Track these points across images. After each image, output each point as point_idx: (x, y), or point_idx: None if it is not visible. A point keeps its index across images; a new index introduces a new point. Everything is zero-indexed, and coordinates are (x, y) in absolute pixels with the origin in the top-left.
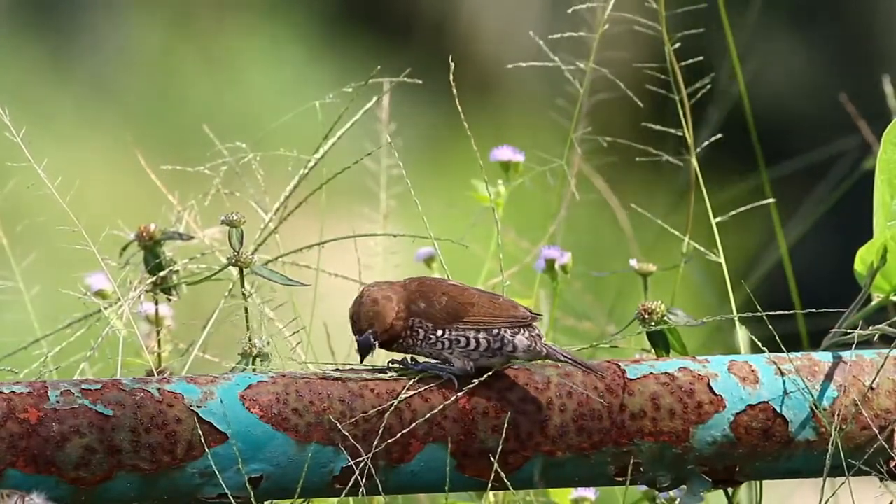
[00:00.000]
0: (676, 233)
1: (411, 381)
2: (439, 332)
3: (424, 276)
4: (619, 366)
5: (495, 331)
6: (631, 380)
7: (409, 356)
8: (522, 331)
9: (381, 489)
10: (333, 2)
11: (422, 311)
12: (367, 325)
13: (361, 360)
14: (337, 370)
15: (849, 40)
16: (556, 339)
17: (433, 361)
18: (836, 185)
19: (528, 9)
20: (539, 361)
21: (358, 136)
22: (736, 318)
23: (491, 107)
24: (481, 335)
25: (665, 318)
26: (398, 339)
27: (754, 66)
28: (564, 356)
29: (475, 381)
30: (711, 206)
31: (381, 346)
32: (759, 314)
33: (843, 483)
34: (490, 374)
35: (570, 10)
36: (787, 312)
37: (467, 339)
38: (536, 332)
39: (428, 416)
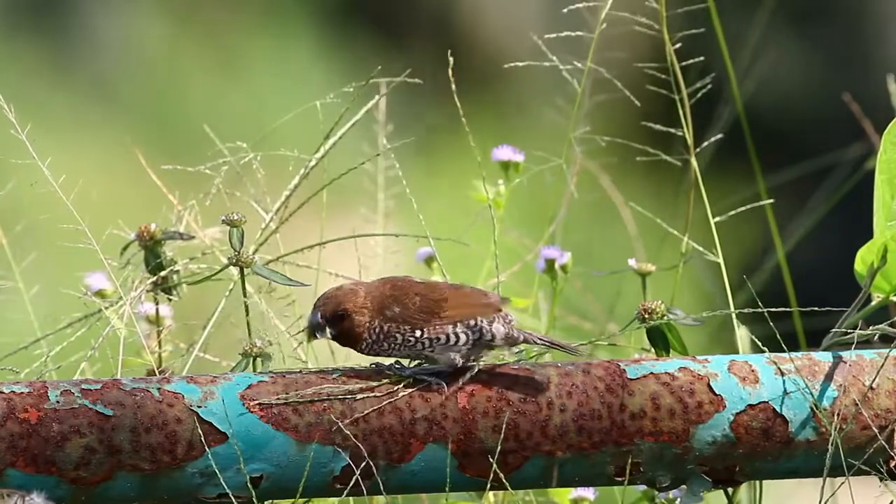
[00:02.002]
0: (675, 232)
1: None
2: (418, 333)
3: (395, 277)
4: (619, 366)
5: (472, 322)
6: (631, 380)
7: (393, 360)
8: (497, 318)
9: (381, 489)
10: (337, 1)
11: (397, 316)
12: (320, 302)
13: (308, 340)
14: (335, 370)
15: (853, 41)
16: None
17: (422, 363)
18: (838, 185)
19: (530, 6)
20: (539, 361)
21: (359, 136)
22: (734, 317)
23: (494, 105)
24: (459, 329)
25: (665, 317)
26: (359, 338)
27: (760, 67)
28: (540, 339)
29: (467, 375)
30: (718, 206)
31: (346, 343)
32: (759, 311)
33: (843, 483)
34: (474, 372)
35: (566, 10)
36: (784, 309)
37: (447, 335)
38: (510, 318)
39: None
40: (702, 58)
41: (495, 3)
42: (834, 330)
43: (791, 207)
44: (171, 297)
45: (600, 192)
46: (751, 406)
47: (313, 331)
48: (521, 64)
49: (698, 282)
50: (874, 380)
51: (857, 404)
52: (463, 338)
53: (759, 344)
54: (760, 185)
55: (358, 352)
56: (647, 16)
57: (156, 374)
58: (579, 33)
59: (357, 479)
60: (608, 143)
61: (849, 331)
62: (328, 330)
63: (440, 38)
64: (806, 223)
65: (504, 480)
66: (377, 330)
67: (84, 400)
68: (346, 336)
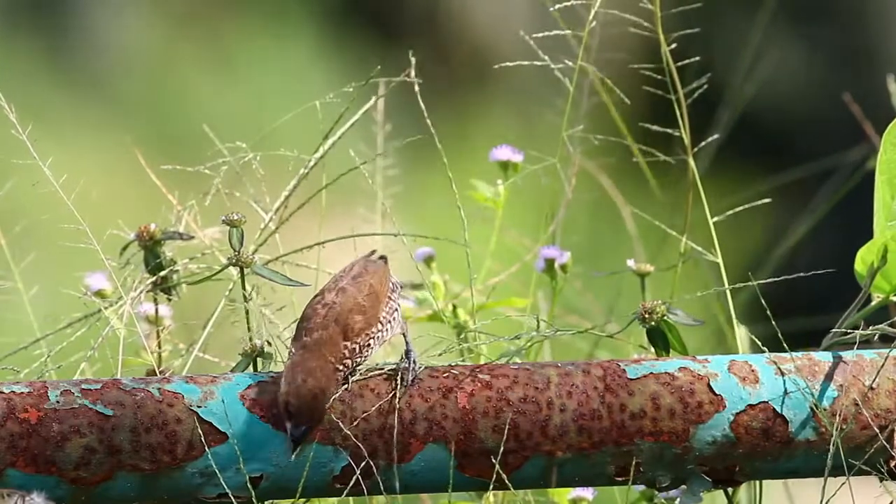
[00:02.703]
0: (673, 233)
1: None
2: (382, 322)
3: (320, 301)
4: (619, 365)
5: (392, 282)
6: (631, 380)
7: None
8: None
9: (381, 489)
10: (335, 1)
11: (364, 322)
12: (306, 419)
13: (293, 452)
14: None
15: (855, 41)
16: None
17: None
18: (839, 185)
19: (523, 3)
20: (538, 360)
21: (358, 135)
22: (734, 318)
23: (491, 104)
24: (395, 295)
25: (665, 317)
26: (342, 382)
27: (762, 67)
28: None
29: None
30: (720, 206)
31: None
32: (763, 311)
33: (843, 483)
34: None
35: (553, 9)
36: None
37: (396, 308)
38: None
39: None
40: (697, 58)
41: (486, 1)
42: (834, 330)
43: (794, 208)
44: (170, 297)
45: (600, 192)
46: (751, 406)
47: (298, 443)
48: (510, 64)
49: (703, 282)
50: (874, 380)
51: (857, 404)
52: (395, 304)
53: (759, 344)
54: (741, 176)
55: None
56: (645, 16)
57: (156, 374)
58: (575, 32)
59: (357, 478)
60: (608, 144)
61: (849, 331)
62: (312, 427)
63: (437, 37)
64: (806, 223)
65: (507, 481)
66: (354, 353)
67: (84, 400)
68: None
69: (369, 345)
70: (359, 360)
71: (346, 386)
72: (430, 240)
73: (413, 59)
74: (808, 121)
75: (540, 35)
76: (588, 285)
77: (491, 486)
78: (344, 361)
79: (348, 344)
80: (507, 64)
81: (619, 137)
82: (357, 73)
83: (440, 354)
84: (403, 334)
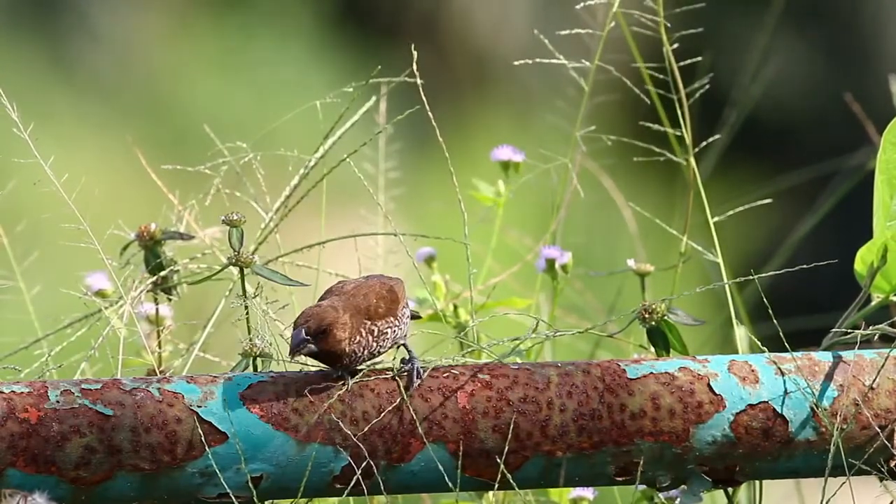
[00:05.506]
0: (675, 232)
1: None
2: (399, 318)
3: (343, 284)
4: (619, 365)
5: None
6: (631, 380)
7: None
8: None
9: (381, 489)
10: (336, 2)
11: (385, 312)
12: (301, 320)
13: (291, 356)
14: (336, 370)
15: (856, 42)
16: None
17: (409, 352)
18: (839, 185)
19: (521, 5)
20: (538, 360)
21: (359, 136)
22: (734, 318)
23: (490, 104)
24: (408, 310)
25: (665, 317)
26: (341, 354)
27: (769, 69)
28: None
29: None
30: (724, 207)
31: (327, 360)
32: (765, 312)
33: (843, 483)
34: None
35: (580, 6)
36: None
37: (407, 313)
38: None
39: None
40: (699, 58)
41: (485, 3)
42: (834, 330)
43: (796, 209)
44: (170, 297)
45: (603, 192)
46: (751, 406)
47: (297, 347)
48: (529, 62)
49: (704, 283)
50: (874, 380)
51: (857, 404)
52: (408, 312)
53: (759, 343)
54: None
55: (338, 369)
56: (649, 17)
57: (156, 374)
58: (592, 32)
59: (357, 478)
60: (608, 145)
61: (849, 331)
62: (311, 346)
63: (438, 38)
64: (806, 223)
65: (511, 480)
66: (364, 338)
67: (84, 400)
68: (328, 352)
69: (386, 334)
70: (374, 346)
71: (346, 386)
72: (431, 240)
73: (415, 53)
74: (809, 122)
75: (564, 32)
76: (588, 285)
77: (496, 486)
78: (360, 331)
79: (368, 323)
80: (525, 62)
81: (621, 138)
82: (358, 73)
83: (441, 358)
84: (405, 344)
